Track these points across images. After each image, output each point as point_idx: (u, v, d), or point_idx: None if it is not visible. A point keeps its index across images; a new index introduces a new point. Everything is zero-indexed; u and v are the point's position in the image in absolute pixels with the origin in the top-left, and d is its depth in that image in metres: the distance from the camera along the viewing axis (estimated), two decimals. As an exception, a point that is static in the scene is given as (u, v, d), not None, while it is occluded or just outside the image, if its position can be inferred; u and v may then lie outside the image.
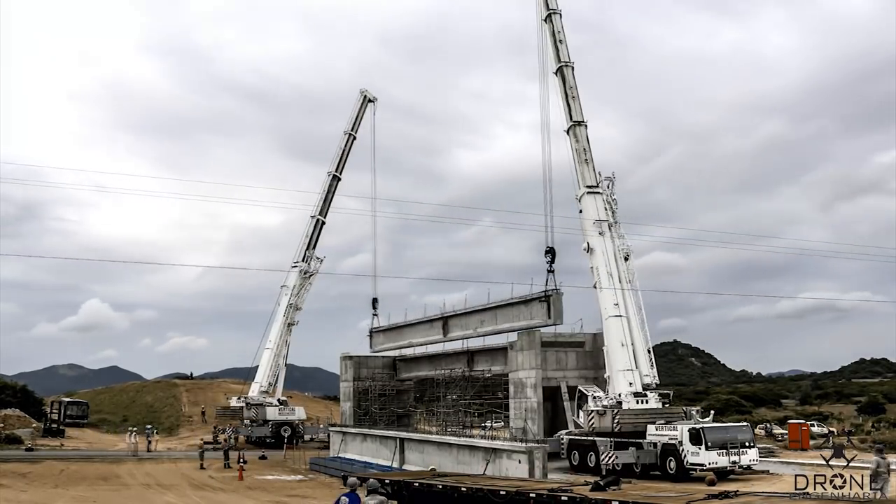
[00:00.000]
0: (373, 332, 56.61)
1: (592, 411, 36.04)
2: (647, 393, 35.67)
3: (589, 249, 39.03)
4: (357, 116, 63.99)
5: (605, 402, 36.13)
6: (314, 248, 63.61)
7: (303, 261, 62.98)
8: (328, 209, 63.55)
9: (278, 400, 62.78)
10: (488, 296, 44.23)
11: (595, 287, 38.67)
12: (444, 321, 47.84)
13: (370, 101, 64.29)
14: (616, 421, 34.33)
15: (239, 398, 63.78)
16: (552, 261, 40.07)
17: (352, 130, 63.67)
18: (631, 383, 35.78)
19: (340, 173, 63.65)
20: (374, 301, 58.11)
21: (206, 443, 52.48)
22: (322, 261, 64.17)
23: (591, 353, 40.84)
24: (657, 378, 37.11)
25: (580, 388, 38.76)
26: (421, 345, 50.63)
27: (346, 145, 63.67)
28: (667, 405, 36.16)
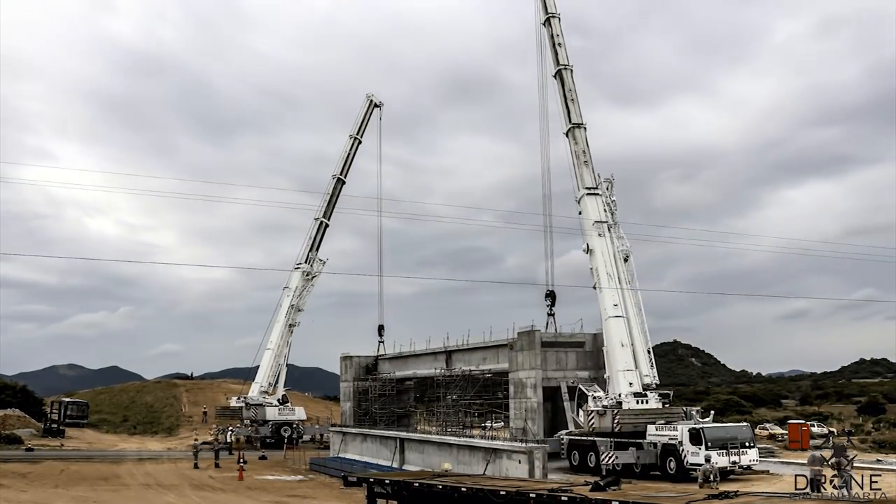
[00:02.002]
0: (378, 359, 56.73)
1: (592, 411, 36.08)
2: (647, 393, 35.71)
3: (589, 251, 39.14)
4: (363, 121, 63.96)
5: (605, 403, 36.15)
6: (317, 250, 63.54)
7: (305, 262, 62.97)
8: (332, 212, 63.52)
9: (278, 399, 62.79)
10: (490, 332, 44.36)
11: (595, 288, 38.77)
12: (448, 355, 48.05)
13: (376, 105, 64.23)
14: (616, 421, 34.36)
15: (239, 398, 63.77)
16: (552, 304, 41.29)
17: (357, 134, 63.64)
18: (631, 383, 35.81)
19: (345, 177, 63.59)
20: (381, 328, 58.01)
21: (203, 443, 52.49)
22: (325, 263, 64.14)
23: (591, 353, 40.88)
24: (657, 378, 37.16)
25: (580, 387, 38.80)
26: (425, 376, 50.77)
27: (350, 149, 63.62)
28: (667, 405, 36.18)
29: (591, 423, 35.91)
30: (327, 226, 63.57)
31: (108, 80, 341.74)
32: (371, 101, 64.30)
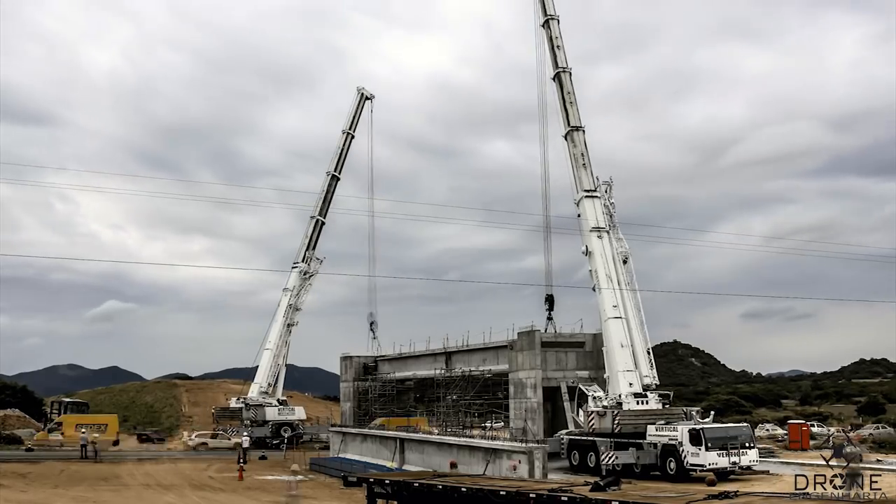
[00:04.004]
0: (378, 360, 56.67)
1: (592, 412, 36.04)
2: (647, 394, 35.70)
3: (588, 252, 39.14)
4: (355, 115, 63.98)
5: (605, 403, 36.14)
6: (314, 248, 63.54)
7: (303, 261, 62.93)
8: (328, 209, 63.52)
9: (278, 400, 62.73)
10: (490, 333, 44.31)
11: (594, 290, 38.75)
12: (448, 356, 48.06)
13: (367, 98, 64.15)
14: (616, 422, 34.33)
15: (238, 399, 63.71)
16: (551, 308, 41.19)
17: (350, 129, 63.69)
18: (631, 384, 35.79)
19: (339, 173, 63.63)
20: (372, 325, 57.74)
21: (203, 443, 52.43)
22: (322, 262, 64.09)
23: (591, 353, 40.88)
24: (657, 379, 37.15)
25: (580, 387, 38.81)
26: (425, 377, 50.79)
27: (344, 145, 63.64)
28: (667, 406, 36.16)
29: (591, 423, 35.91)
30: (323, 223, 63.51)
31: (147, 140, 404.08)
32: (362, 94, 64.19)
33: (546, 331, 41.03)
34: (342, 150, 63.66)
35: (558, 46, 41.87)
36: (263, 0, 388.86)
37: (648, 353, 37.54)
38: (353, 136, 63.75)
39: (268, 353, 62.79)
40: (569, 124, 40.87)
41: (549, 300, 41.54)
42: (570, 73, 41.59)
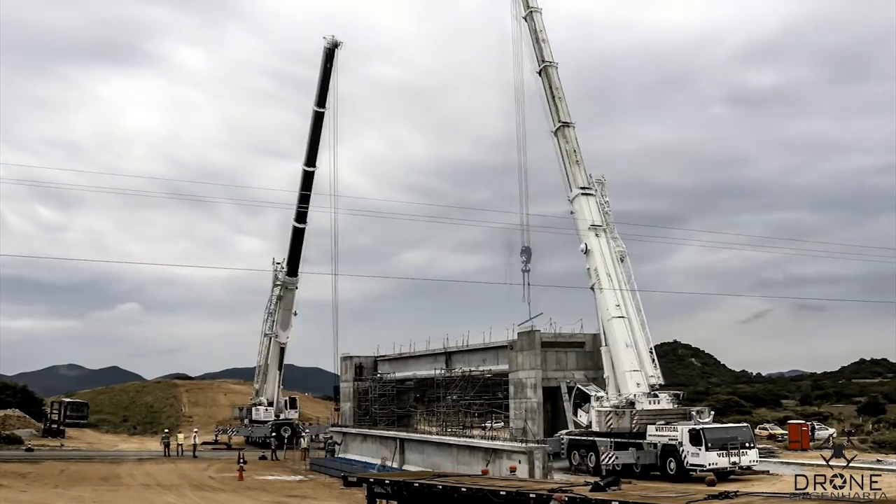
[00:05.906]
0: (378, 360, 56.30)
1: (610, 411, 35.70)
2: (658, 393, 35.65)
3: (587, 251, 38.91)
4: (322, 80, 50.36)
5: (614, 402, 35.97)
6: (297, 259, 57.32)
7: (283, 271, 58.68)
8: (306, 214, 54.23)
9: (268, 401, 62.49)
10: (490, 333, 44.04)
11: (593, 289, 38.55)
12: (448, 356, 47.96)
13: (334, 47, 50.26)
14: (634, 421, 34.26)
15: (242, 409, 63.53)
16: (528, 261, 39.23)
17: (318, 106, 50.74)
18: (639, 384, 35.69)
19: (313, 165, 52.84)
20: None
21: (203, 443, 52.27)
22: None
23: (591, 353, 40.86)
24: (661, 378, 37.07)
25: (579, 387, 38.74)
26: (425, 377, 50.74)
27: (315, 125, 52.02)
28: (677, 405, 36.10)
29: (608, 422, 35.38)
30: (303, 230, 55.48)
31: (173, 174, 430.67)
32: (326, 47, 49.94)
33: (524, 285, 39.27)
34: (313, 133, 52.20)
35: (543, 40, 40.56)
36: (276, 87, 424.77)
37: (651, 352, 37.45)
38: (323, 112, 51.25)
39: (263, 353, 62.38)
40: (559, 120, 39.91)
41: (526, 252, 39.49)
42: (557, 67, 40.45)
